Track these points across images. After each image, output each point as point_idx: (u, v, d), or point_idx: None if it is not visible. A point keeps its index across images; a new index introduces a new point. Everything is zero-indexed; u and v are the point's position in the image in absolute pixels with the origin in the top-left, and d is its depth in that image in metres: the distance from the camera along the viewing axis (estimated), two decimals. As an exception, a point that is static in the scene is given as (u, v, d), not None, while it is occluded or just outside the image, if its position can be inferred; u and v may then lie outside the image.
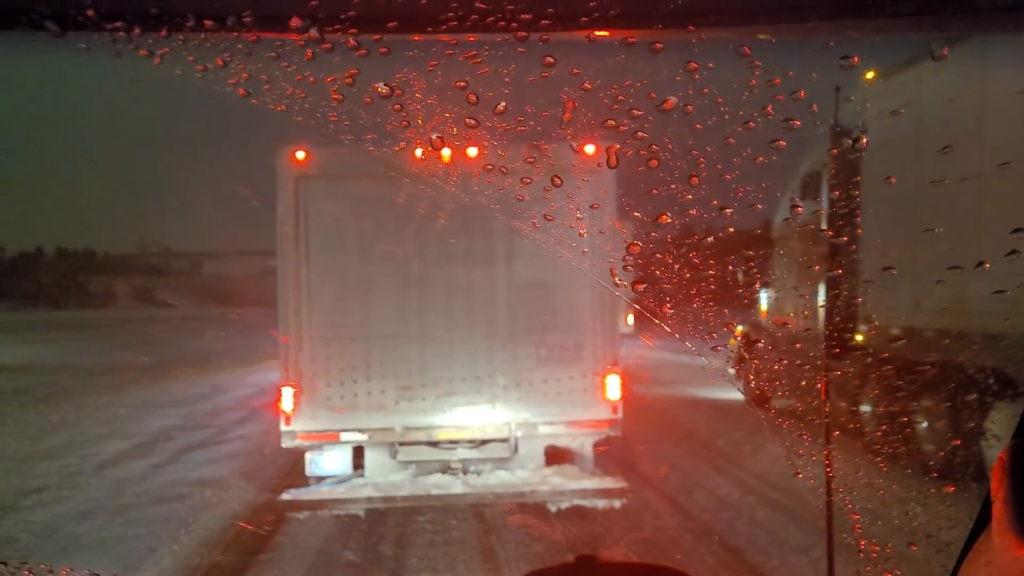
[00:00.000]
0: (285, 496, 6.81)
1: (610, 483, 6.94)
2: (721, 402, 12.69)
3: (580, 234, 7.89)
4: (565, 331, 7.10)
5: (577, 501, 6.76)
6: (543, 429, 7.08)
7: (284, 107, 1.99)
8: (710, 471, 8.00)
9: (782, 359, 10.97)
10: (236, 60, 1.72)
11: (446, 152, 7.89)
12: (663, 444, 9.50)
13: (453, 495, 6.79)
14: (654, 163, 2.36)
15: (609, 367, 7.10)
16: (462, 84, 2.06)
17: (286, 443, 6.95)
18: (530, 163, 7.91)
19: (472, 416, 7.00)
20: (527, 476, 7.00)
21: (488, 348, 7.07)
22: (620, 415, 7.09)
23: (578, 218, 7.91)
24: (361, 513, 6.73)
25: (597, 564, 1.00)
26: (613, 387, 7.08)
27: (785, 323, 11.02)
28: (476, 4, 1.69)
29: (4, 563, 1.71)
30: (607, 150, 7.63)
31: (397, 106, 2.06)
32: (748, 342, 11.98)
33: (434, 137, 2.24)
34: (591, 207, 7.88)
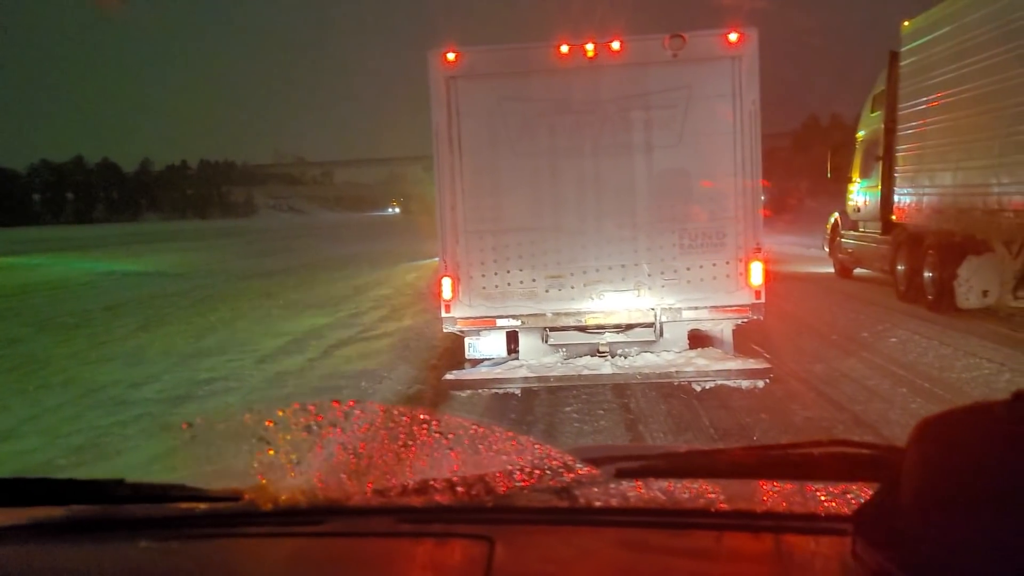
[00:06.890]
0: (448, 376, 7.15)
1: (753, 364, 6.96)
2: (818, 275, 15.99)
3: (724, 120, 7.68)
4: (707, 219, 7.07)
5: (721, 382, 6.81)
6: (687, 314, 7.15)
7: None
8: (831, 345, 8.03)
9: (856, 239, 13.43)
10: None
11: (589, 47, 7.80)
12: (786, 320, 9.90)
13: (602, 375, 6.98)
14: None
15: (752, 253, 7.07)
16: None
17: (447, 328, 7.32)
18: (672, 54, 7.72)
19: (618, 302, 7.15)
20: (672, 358, 7.10)
21: (632, 237, 7.13)
22: (763, 300, 7.10)
23: (722, 105, 7.71)
24: (517, 391, 7.08)
25: None
26: (756, 273, 7.08)
27: (859, 209, 14.32)
28: None
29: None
30: (750, 36, 7.39)
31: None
32: (835, 227, 15.71)
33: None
34: (734, 93, 7.64)
